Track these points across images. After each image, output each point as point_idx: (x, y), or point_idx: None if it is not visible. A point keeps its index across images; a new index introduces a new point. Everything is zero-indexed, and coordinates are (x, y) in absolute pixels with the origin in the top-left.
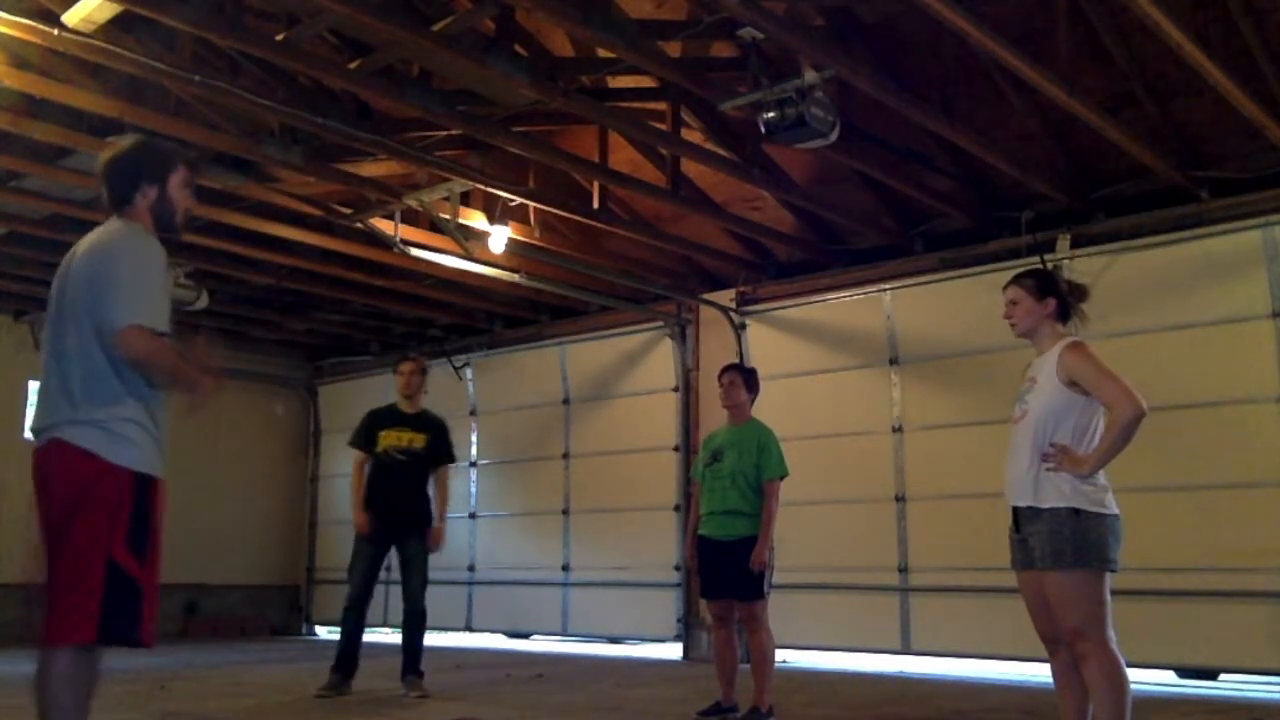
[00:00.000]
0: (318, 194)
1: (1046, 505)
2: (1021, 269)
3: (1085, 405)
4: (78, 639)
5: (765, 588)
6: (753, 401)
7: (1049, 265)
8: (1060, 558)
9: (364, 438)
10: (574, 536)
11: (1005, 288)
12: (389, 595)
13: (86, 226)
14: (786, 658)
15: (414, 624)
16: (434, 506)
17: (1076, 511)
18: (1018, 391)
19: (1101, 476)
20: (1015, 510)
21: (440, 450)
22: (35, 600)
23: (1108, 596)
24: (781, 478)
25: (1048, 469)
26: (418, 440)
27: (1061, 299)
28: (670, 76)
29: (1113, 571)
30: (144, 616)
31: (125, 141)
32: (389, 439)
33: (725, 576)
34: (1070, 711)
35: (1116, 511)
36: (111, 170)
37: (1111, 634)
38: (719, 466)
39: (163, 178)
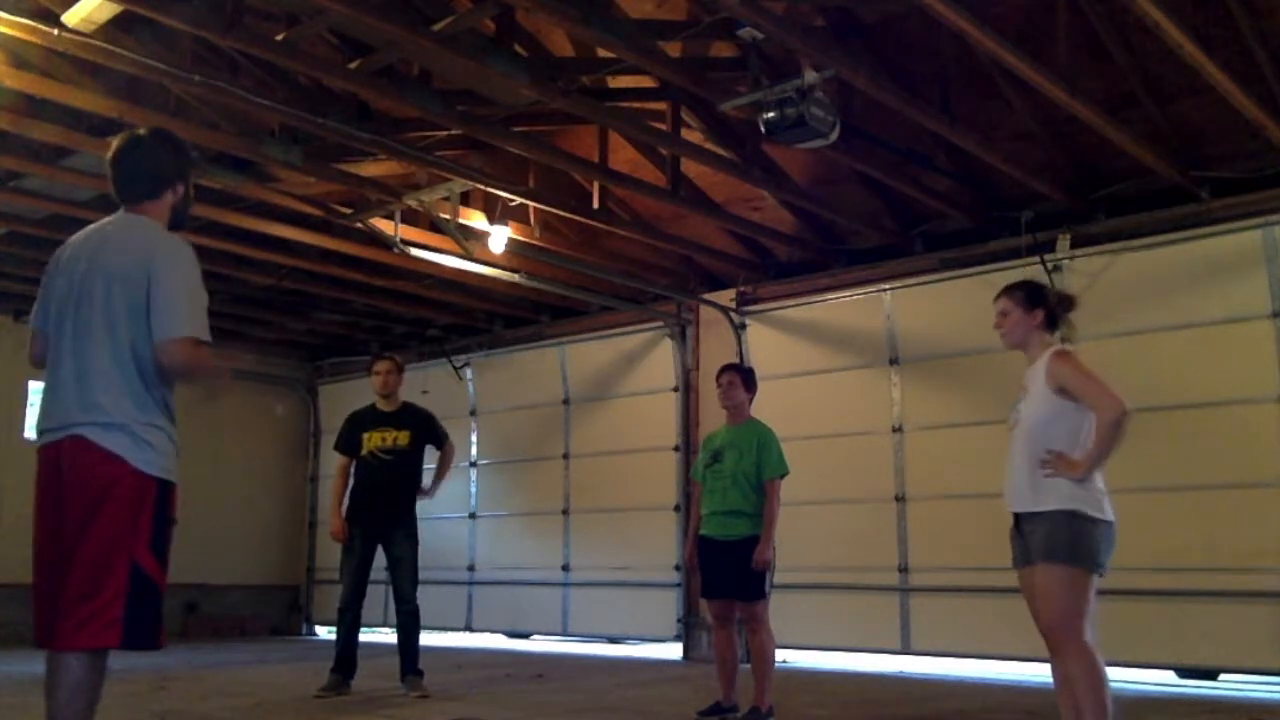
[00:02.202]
0: (318, 194)
1: (1047, 508)
2: (1012, 281)
3: (1075, 410)
4: (101, 643)
5: (766, 587)
6: (751, 401)
7: (1049, 265)
8: (1054, 553)
9: (347, 442)
10: (574, 536)
11: (996, 299)
12: (387, 595)
13: (86, 226)
14: (786, 658)
15: (408, 624)
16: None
17: (1076, 514)
18: (1013, 400)
19: (1098, 480)
20: (1016, 515)
21: (431, 440)
22: (39, 600)
23: (1092, 599)
24: (782, 476)
25: (1045, 475)
26: (401, 439)
27: (1050, 310)
28: (670, 76)
29: (1100, 575)
30: (160, 621)
31: (142, 132)
32: (373, 441)
33: (727, 576)
34: (1071, 710)
35: (1112, 518)
36: (138, 161)
37: (1089, 634)
38: (719, 467)
39: (188, 175)
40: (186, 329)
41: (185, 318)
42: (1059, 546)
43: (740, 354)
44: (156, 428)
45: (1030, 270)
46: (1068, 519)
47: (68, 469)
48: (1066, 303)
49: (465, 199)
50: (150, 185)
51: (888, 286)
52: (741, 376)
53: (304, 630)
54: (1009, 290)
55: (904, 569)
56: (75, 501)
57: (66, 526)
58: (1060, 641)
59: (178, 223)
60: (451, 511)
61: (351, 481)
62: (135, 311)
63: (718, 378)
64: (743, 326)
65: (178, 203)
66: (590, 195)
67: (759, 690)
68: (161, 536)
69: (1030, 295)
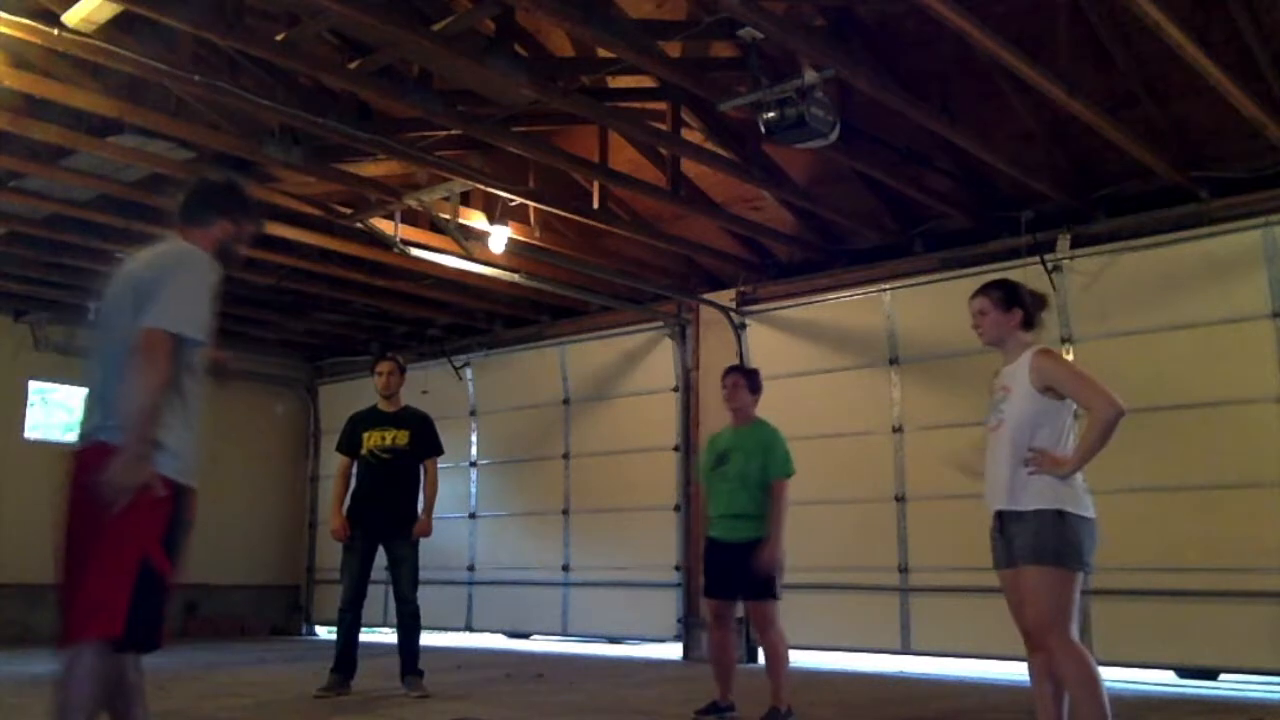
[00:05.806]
0: (318, 194)
1: (1031, 507)
2: (988, 280)
3: (1060, 409)
4: (103, 634)
5: (776, 589)
6: (756, 402)
7: (1049, 265)
8: (1041, 555)
9: (348, 442)
10: (574, 536)
11: (972, 298)
12: (387, 595)
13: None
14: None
15: (408, 624)
16: (422, 501)
17: (1061, 514)
18: (990, 401)
19: (1080, 479)
20: (999, 513)
21: (425, 444)
22: (60, 603)
23: (1077, 597)
24: (788, 476)
25: (1029, 473)
26: (400, 438)
27: (1026, 310)
28: (670, 76)
29: (1087, 573)
30: (164, 620)
31: (222, 175)
32: (372, 440)
33: (732, 578)
34: (1047, 704)
35: (1093, 515)
36: (201, 191)
37: (1075, 631)
38: (725, 470)
39: (239, 221)
40: (156, 320)
41: (159, 310)
42: (1046, 548)
43: (740, 354)
44: (172, 431)
45: (1030, 270)
46: (1054, 519)
47: (89, 472)
48: (1040, 302)
49: (465, 199)
50: (200, 212)
51: (888, 286)
52: (745, 378)
53: (304, 630)
54: (986, 289)
55: (904, 569)
56: (93, 502)
57: (85, 528)
58: (1051, 644)
59: (221, 261)
60: (451, 511)
61: (353, 482)
62: (138, 317)
63: (722, 380)
64: (743, 326)
65: (221, 238)
66: (590, 195)
67: (776, 690)
68: (175, 537)
69: (1007, 295)
